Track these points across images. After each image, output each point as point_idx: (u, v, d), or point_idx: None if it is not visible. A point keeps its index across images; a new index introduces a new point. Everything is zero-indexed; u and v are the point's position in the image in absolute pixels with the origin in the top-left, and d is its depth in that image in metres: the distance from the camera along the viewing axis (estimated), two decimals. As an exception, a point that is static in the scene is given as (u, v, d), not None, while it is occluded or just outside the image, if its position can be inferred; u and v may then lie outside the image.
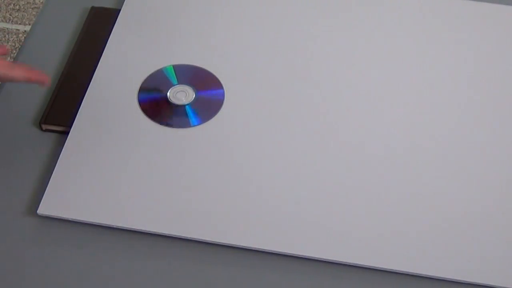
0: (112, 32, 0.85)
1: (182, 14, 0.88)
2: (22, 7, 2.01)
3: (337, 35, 0.86)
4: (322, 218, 0.69)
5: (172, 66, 0.82)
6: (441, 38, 0.87)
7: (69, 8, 0.90)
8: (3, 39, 1.89)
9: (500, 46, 0.86)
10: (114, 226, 0.69)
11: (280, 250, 0.67)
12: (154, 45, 0.84)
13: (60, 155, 0.73)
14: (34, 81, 0.68)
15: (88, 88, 0.79)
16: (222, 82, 0.81)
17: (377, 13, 0.89)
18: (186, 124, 0.77)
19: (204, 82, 0.81)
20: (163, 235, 0.69)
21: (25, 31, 1.92)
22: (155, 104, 0.79)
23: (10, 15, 1.95)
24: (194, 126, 0.77)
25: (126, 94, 0.79)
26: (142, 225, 0.68)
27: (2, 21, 1.93)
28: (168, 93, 0.80)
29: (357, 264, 0.67)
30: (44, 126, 0.77)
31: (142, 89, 0.80)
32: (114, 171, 0.72)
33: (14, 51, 1.90)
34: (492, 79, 0.83)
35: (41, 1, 2.00)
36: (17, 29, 1.92)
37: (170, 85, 0.80)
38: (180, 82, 0.81)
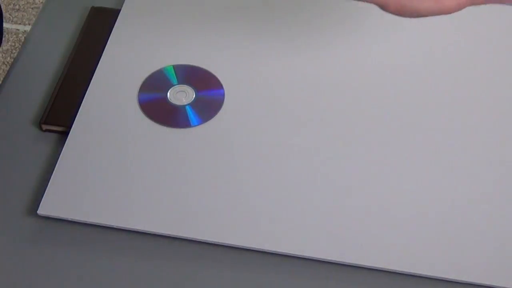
0: (112, 32, 0.85)
1: (182, 14, 0.88)
2: (22, 7, 2.01)
3: (338, 35, 0.86)
4: (322, 218, 0.69)
5: (172, 66, 0.82)
6: (441, 38, 0.87)
7: (69, 8, 0.90)
8: (3, 39, 1.89)
9: (500, 46, 0.87)
10: (114, 226, 0.69)
11: (280, 250, 0.67)
12: (154, 45, 0.84)
13: (60, 155, 0.73)
14: None
15: (88, 88, 0.79)
16: (222, 82, 0.81)
17: (377, 13, 0.89)
18: (186, 124, 0.77)
19: (204, 82, 0.81)
20: (163, 235, 0.69)
21: (25, 31, 1.92)
22: (155, 104, 0.79)
23: (10, 15, 1.95)
24: (194, 126, 0.77)
25: (126, 94, 0.79)
26: (142, 225, 0.68)
27: (2, 21, 1.93)
28: (168, 93, 0.80)
29: (357, 264, 0.67)
30: (44, 126, 0.77)
31: (142, 89, 0.80)
32: (114, 171, 0.72)
33: (14, 51, 1.90)
34: (492, 79, 0.83)
35: (41, 1, 2.00)
36: (17, 29, 1.92)
37: (170, 85, 0.80)
38: (180, 82, 0.81)
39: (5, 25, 1.89)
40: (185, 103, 0.79)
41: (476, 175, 0.74)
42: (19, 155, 0.75)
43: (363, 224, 0.69)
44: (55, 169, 0.72)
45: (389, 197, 0.71)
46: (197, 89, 0.80)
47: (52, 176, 0.72)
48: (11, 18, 1.92)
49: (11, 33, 1.90)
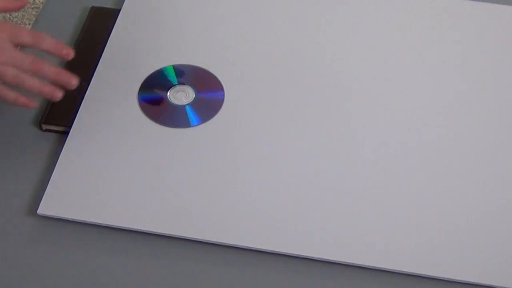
0: (112, 32, 0.85)
1: (182, 14, 0.88)
2: (22, 7, 2.00)
3: (338, 35, 0.86)
4: (322, 218, 0.69)
5: (172, 66, 0.82)
6: (441, 38, 0.87)
7: (69, 8, 0.90)
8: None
9: (500, 46, 0.86)
10: (114, 226, 0.69)
11: (280, 250, 0.67)
12: (154, 45, 0.84)
13: (60, 155, 0.73)
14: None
15: (88, 88, 0.79)
16: (222, 82, 0.81)
17: (377, 13, 0.89)
18: (186, 124, 0.77)
19: (204, 82, 0.81)
20: (163, 235, 0.69)
21: (25, 31, 1.91)
22: (155, 104, 0.79)
23: (10, 15, 1.94)
24: (194, 126, 0.77)
25: (126, 94, 0.79)
26: (142, 225, 0.68)
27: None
28: (168, 93, 0.80)
29: (357, 264, 0.67)
30: (44, 126, 0.77)
31: (142, 89, 0.80)
32: (114, 171, 0.72)
33: (14, 51, 1.90)
34: (492, 79, 0.83)
35: (41, 1, 2.00)
36: (17, 29, 1.91)
37: (170, 85, 0.80)
38: (180, 82, 0.81)
39: (5, 25, 1.89)
40: (185, 103, 0.79)
41: (477, 176, 0.74)
42: (19, 155, 0.75)
43: (364, 224, 0.69)
44: (55, 169, 0.72)
45: (389, 198, 0.71)
46: (197, 89, 0.80)
47: (52, 176, 0.72)
48: (11, 18, 1.92)
49: (11, 33, 1.90)
